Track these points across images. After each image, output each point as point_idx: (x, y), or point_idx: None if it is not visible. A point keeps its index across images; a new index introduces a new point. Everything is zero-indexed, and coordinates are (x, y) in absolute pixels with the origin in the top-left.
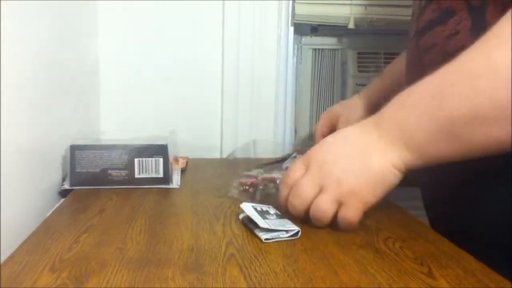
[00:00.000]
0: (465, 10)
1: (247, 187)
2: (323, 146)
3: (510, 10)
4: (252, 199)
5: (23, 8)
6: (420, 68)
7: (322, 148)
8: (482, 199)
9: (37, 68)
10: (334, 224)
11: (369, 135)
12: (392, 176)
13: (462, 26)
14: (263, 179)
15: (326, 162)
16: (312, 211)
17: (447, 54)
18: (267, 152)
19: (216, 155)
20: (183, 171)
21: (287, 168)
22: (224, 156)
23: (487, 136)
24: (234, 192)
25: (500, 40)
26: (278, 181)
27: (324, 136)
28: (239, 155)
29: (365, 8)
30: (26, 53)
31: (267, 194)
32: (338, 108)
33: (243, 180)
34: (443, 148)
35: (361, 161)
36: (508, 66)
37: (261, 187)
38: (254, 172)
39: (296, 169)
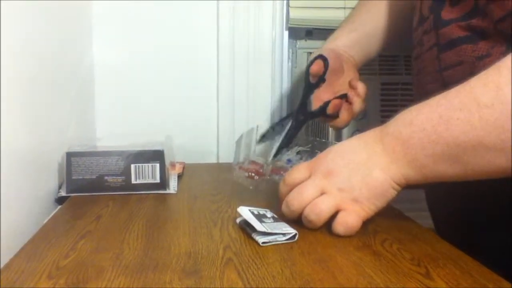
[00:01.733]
0: (498, 35)
1: (252, 174)
2: (329, 155)
3: None
4: (255, 187)
5: (18, 16)
6: (440, 81)
7: (327, 157)
8: (488, 202)
9: (32, 75)
10: (330, 228)
11: (373, 149)
12: (393, 190)
13: (495, 50)
14: (273, 171)
15: (330, 171)
16: (307, 210)
17: (475, 74)
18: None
19: (213, 160)
20: (179, 176)
21: (288, 160)
22: (221, 161)
23: (490, 163)
24: (239, 176)
25: (510, 76)
26: (282, 173)
27: None
28: (244, 141)
29: None
30: (20, 59)
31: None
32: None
33: (249, 166)
34: (445, 170)
35: (363, 173)
36: None
37: (268, 177)
38: (260, 160)
39: (300, 170)
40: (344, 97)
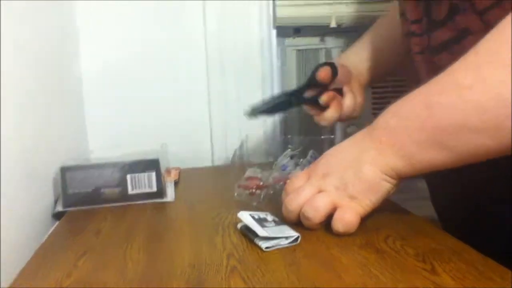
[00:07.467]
0: (482, 30)
1: (253, 190)
2: (324, 158)
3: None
4: (259, 203)
5: (4, 28)
6: None
7: (322, 160)
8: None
9: (20, 92)
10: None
11: (362, 144)
12: (386, 184)
13: None
14: (275, 181)
15: (326, 173)
16: (305, 208)
17: None
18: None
19: (208, 163)
20: (176, 182)
21: (283, 165)
22: (216, 163)
23: (475, 145)
24: (240, 195)
25: (488, 55)
26: (282, 183)
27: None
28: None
29: (346, 6)
30: (6, 76)
31: (273, 194)
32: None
33: (247, 182)
34: (433, 157)
35: (354, 170)
36: (495, 80)
37: (271, 192)
38: (255, 173)
39: (299, 177)
40: (337, 91)
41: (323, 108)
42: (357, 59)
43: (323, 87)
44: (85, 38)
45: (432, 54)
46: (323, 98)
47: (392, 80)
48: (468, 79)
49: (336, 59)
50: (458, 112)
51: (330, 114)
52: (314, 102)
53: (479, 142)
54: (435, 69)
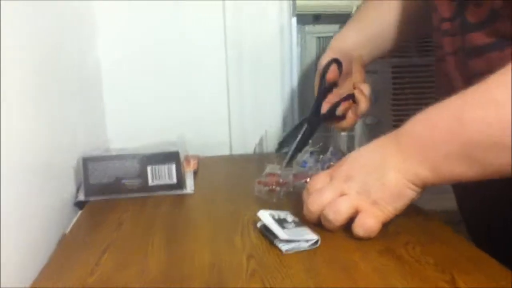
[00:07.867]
0: None
1: (273, 187)
2: (347, 160)
3: None
4: (278, 200)
5: (21, 22)
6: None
7: (345, 162)
8: None
9: (37, 81)
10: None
11: (388, 149)
12: (410, 191)
13: None
14: (295, 179)
15: (348, 176)
16: (326, 211)
17: None
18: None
19: (226, 151)
20: (195, 172)
21: (303, 162)
22: (234, 151)
23: (505, 162)
24: (260, 191)
25: None
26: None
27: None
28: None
29: None
30: (25, 66)
31: (293, 191)
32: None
33: (267, 179)
34: (461, 170)
35: (378, 176)
36: None
37: (291, 189)
38: (275, 170)
39: (321, 178)
40: (350, 97)
41: (341, 117)
42: (355, 42)
43: (333, 85)
44: (104, 29)
45: (466, 56)
46: (340, 110)
47: (412, 66)
48: (504, 96)
49: (333, 44)
50: (491, 129)
51: (348, 123)
52: (331, 116)
53: (510, 160)
54: (469, 74)
